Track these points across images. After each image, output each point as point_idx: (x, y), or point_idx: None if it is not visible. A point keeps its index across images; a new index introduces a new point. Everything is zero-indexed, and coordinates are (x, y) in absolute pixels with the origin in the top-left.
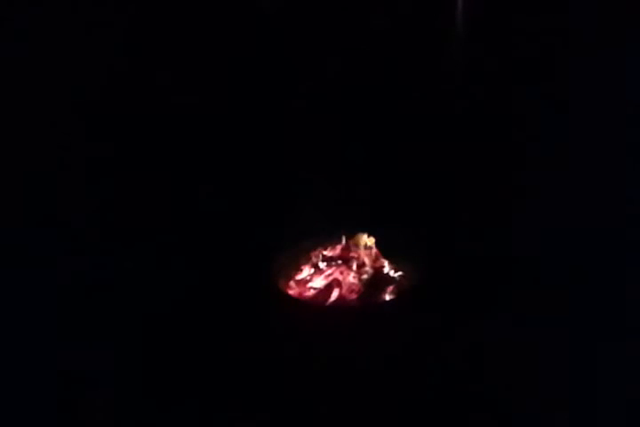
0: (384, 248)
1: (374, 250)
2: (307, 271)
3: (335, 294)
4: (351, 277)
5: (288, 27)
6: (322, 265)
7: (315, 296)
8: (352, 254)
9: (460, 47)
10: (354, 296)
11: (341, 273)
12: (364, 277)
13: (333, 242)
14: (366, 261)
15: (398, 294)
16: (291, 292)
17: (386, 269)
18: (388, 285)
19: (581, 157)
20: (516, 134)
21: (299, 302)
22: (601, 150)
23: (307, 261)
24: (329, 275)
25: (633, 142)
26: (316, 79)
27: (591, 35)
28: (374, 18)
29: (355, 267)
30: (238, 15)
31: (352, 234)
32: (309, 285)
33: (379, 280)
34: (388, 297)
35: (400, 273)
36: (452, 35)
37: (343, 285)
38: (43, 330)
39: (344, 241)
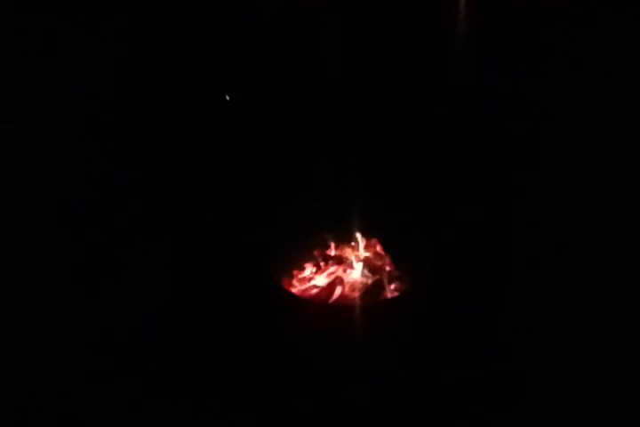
0: (386, 247)
1: (377, 248)
2: (309, 269)
3: (338, 292)
4: (353, 276)
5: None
6: (324, 263)
7: (317, 294)
8: (353, 253)
9: (460, 49)
10: (356, 294)
11: (344, 271)
12: (366, 275)
13: (335, 241)
14: (368, 259)
15: (400, 292)
16: (293, 290)
17: (388, 268)
18: (391, 283)
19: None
20: (516, 133)
21: (301, 300)
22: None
23: (309, 259)
24: (331, 273)
25: None
26: (316, 80)
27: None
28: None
29: (356, 265)
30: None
31: (353, 233)
32: (312, 283)
33: (381, 279)
34: (390, 295)
35: (402, 271)
36: (453, 36)
37: (345, 283)
38: (41, 330)
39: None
